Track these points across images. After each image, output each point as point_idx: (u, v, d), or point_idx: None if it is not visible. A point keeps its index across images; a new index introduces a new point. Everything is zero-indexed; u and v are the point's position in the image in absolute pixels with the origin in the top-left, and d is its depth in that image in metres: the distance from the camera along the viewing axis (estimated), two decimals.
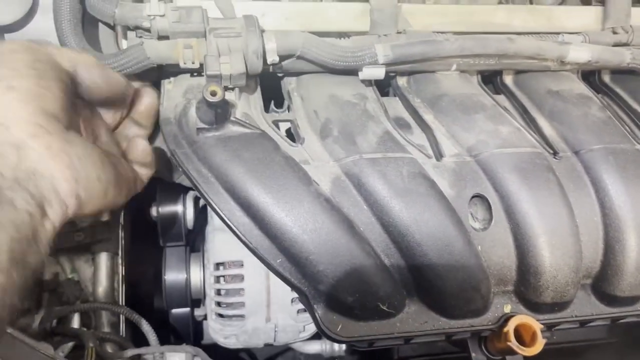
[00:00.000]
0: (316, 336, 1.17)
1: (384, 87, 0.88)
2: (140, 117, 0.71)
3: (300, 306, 1.03)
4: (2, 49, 0.53)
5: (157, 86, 0.77)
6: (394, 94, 0.86)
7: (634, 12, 0.88)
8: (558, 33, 0.86)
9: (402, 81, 0.85)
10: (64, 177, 0.51)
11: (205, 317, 1.16)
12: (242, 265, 0.99)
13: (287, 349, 1.38)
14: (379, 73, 0.75)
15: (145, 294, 1.21)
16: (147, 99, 0.71)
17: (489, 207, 0.71)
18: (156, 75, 0.75)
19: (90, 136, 0.63)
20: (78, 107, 0.64)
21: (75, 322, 0.97)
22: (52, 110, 0.52)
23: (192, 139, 0.68)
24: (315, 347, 1.21)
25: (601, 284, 0.75)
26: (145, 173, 0.69)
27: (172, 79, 0.77)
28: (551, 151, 0.76)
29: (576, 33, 0.87)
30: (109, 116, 0.69)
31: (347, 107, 0.75)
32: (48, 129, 0.51)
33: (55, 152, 0.50)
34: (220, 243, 1.00)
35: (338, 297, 0.67)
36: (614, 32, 0.87)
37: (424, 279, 0.69)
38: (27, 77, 0.51)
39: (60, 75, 0.54)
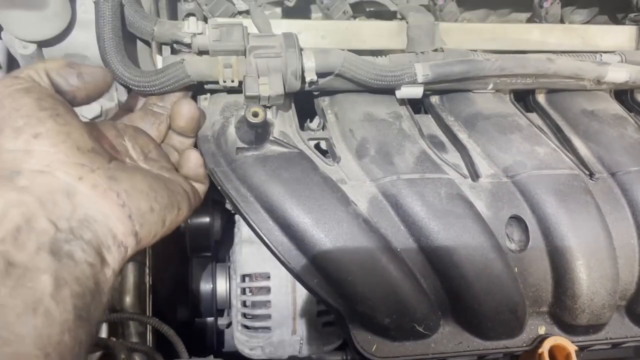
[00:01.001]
0: (337, 347, 1.17)
1: (415, 104, 0.88)
2: (183, 128, 0.69)
3: (326, 319, 1.03)
4: (2, 99, 0.49)
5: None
6: (427, 111, 0.86)
7: None
8: (593, 52, 0.86)
9: (435, 99, 0.85)
10: (117, 217, 0.50)
11: (227, 326, 1.17)
12: (269, 277, 1.00)
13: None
14: (416, 92, 0.75)
15: (168, 302, 1.22)
16: (186, 108, 0.68)
17: (525, 229, 0.71)
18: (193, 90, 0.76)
19: (140, 154, 0.63)
20: (120, 128, 0.64)
21: (104, 332, 0.98)
22: (85, 145, 0.51)
23: (230, 158, 0.69)
24: (336, 358, 1.21)
25: (636, 306, 0.74)
26: (199, 187, 0.68)
27: (208, 95, 0.77)
28: (587, 172, 0.75)
29: (611, 52, 0.86)
30: (153, 130, 0.69)
31: (383, 126, 0.75)
32: (91, 166, 0.50)
33: (102, 191, 0.49)
34: (247, 255, 1.01)
35: (375, 317, 0.67)
36: None
37: (460, 301, 0.69)
38: (45, 120, 0.49)
39: (64, 102, 0.52)
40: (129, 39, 0.79)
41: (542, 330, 0.73)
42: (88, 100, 0.57)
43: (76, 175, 0.48)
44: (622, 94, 0.92)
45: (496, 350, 0.72)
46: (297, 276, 0.67)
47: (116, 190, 0.50)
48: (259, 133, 0.67)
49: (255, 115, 0.63)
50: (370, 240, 0.66)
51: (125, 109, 0.71)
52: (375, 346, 0.70)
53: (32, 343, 0.39)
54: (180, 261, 1.14)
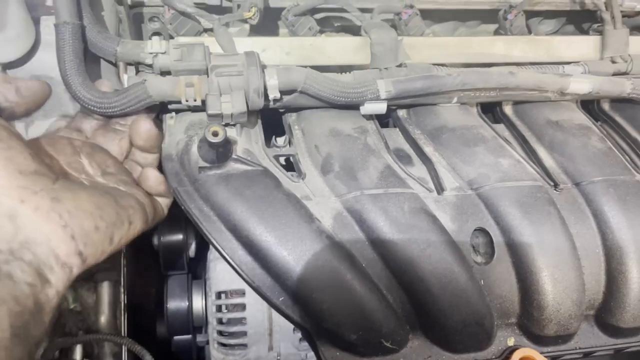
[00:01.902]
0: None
1: (383, 117, 0.88)
2: (142, 146, 0.71)
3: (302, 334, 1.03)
4: None
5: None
6: (394, 124, 0.86)
7: (632, 40, 0.89)
8: (557, 63, 0.87)
9: (402, 112, 0.85)
10: (59, 238, 0.50)
11: (207, 343, 1.16)
12: (244, 293, 0.99)
13: None
14: (380, 108, 0.75)
15: (147, 321, 1.21)
16: (142, 127, 0.69)
17: (490, 241, 0.71)
18: (158, 110, 0.76)
19: (97, 170, 0.64)
20: (77, 145, 0.65)
21: (78, 353, 0.97)
22: (27, 168, 0.51)
23: (194, 177, 0.69)
24: None
25: (604, 315, 0.75)
26: (163, 201, 0.69)
27: (173, 114, 0.77)
28: (552, 183, 0.76)
29: (575, 63, 0.87)
30: (114, 146, 0.70)
31: (348, 142, 0.76)
32: (33, 188, 0.50)
33: (45, 213, 0.50)
34: (222, 272, 1.00)
35: (341, 334, 0.67)
36: (613, 62, 0.87)
37: (426, 315, 0.68)
38: None
39: (6, 126, 0.52)
40: (94, 60, 0.79)
41: (511, 342, 0.74)
42: (27, 113, 0.58)
43: (18, 198, 0.49)
44: (588, 104, 0.93)
45: None
46: (262, 295, 0.67)
47: (58, 212, 0.51)
48: (220, 152, 0.67)
49: (215, 134, 0.63)
50: (334, 257, 0.66)
51: (74, 127, 0.71)
52: None
53: None
54: (158, 279, 1.13)
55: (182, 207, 0.68)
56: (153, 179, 0.67)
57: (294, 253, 0.65)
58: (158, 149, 0.72)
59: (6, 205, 0.48)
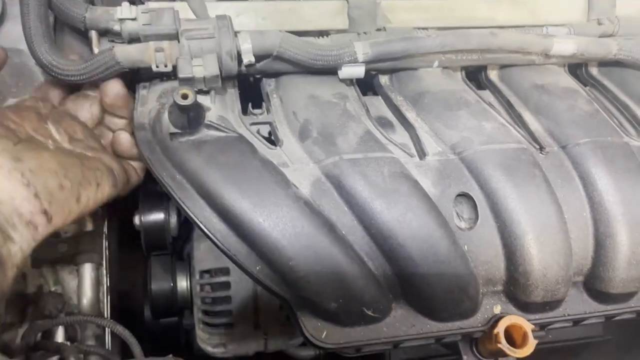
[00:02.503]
0: None
1: (366, 86, 0.86)
2: (111, 106, 0.70)
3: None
4: None
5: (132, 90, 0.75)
6: (376, 92, 0.84)
7: (619, 2, 0.87)
8: (542, 26, 0.84)
9: (384, 79, 0.83)
10: (22, 197, 0.50)
11: (193, 327, 1.14)
12: (228, 272, 0.97)
13: (281, 355, 1.36)
14: (358, 72, 0.73)
15: (135, 304, 1.19)
16: (110, 86, 0.69)
17: (474, 206, 0.69)
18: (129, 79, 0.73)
19: (64, 136, 0.63)
20: (44, 113, 0.64)
21: (60, 336, 0.95)
22: None
23: (165, 145, 0.66)
24: (310, 352, 1.19)
25: (593, 281, 0.73)
26: (138, 166, 0.70)
27: (146, 83, 0.75)
28: (537, 146, 0.74)
29: (561, 25, 0.85)
30: (85, 112, 0.70)
31: (327, 108, 0.73)
32: None
33: (6, 172, 0.49)
34: (205, 251, 0.98)
35: (321, 303, 0.65)
36: (600, 23, 0.85)
37: (409, 282, 0.66)
38: None
39: None
40: (71, 34, 0.77)
41: (497, 310, 0.72)
42: None
43: None
44: (577, 68, 0.91)
45: (450, 332, 0.70)
46: (238, 264, 0.65)
47: (20, 170, 0.50)
48: (191, 117, 0.64)
49: (185, 97, 0.61)
50: (311, 224, 0.64)
51: (40, 97, 0.69)
52: (325, 333, 0.68)
53: None
54: (142, 258, 1.11)
55: (154, 176, 0.66)
56: (124, 141, 0.67)
57: (270, 219, 0.63)
58: (128, 113, 0.71)
59: None
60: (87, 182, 0.57)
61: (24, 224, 0.50)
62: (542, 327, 0.76)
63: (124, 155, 0.68)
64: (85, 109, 0.70)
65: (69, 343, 0.91)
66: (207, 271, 0.97)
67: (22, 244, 0.50)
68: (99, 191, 0.59)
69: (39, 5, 0.67)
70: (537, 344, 0.69)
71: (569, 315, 0.74)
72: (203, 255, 0.97)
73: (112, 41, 0.73)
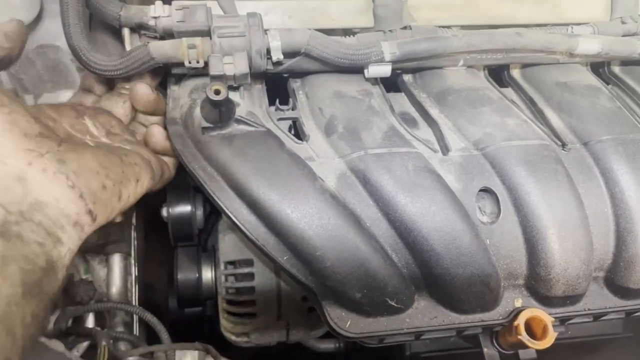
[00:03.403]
0: (330, 334, 1.17)
1: (389, 83, 0.88)
2: (143, 109, 0.73)
3: (311, 304, 1.03)
4: None
5: (163, 87, 0.78)
6: (400, 89, 0.86)
7: None
8: (566, 24, 0.85)
9: (407, 77, 0.84)
10: (69, 199, 0.51)
11: (217, 317, 1.17)
12: (252, 263, 0.99)
13: (301, 347, 1.39)
14: (385, 71, 0.75)
15: (160, 294, 1.23)
16: (139, 91, 0.71)
17: (496, 201, 0.70)
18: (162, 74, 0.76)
19: (102, 130, 0.66)
20: (79, 109, 0.66)
21: (90, 322, 0.99)
22: (32, 131, 0.52)
23: (197, 138, 0.69)
24: (330, 345, 1.21)
25: (614, 276, 0.74)
26: (170, 160, 0.71)
27: (178, 79, 0.77)
28: (559, 143, 0.75)
29: (584, 24, 0.86)
30: (119, 108, 0.73)
31: (352, 103, 0.75)
32: (39, 151, 0.51)
33: (51, 175, 0.50)
34: (230, 242, 1.01)
35: (346, 293, 0.67)
36: (623, 22, 0.86)
37: (431, 274, 0.68)
38: None
39: (6, 92, 0.54)
40: (104, 30, 0.80)
41: (518, 303, 0.73)
42: (19, 55, 0.59)
43: (25, 161, 0.49)
44: (599, 67, 0.91)
45: (472, 324, 0.72)
46: (266, 253, 0.67)
47: (65, 172, 0.51)
48: (222, 111, 0.67)
49: (217, 92, 0.63)
50: (337, 215, 0.66)
51: (84, 87, 0.72)
52: (349, 322, 0.70)
53: None
54: (169, 257, 1.14)
55: (187, 169, 0.69)
56: (157, 135, 0.69)
57: (297, 211, 0.65)
58: (161, 111, 0.73)
59: (14, 167, 0.49)
60: (127, 179, 0.59)
61: (70, 225, 0.51)
62: (562, 321, 0.77)
63: (157, 149, 0.70)
64: (119, 106, 0.72)
65: (99, 329, 0.95)
66: (232, 262, 1.00)
67: (70, 244, 0.51)
68: (138, 186, 0.61)
69: (78, 3, 0.70)
70: (556, 340, 0.70)
71: (589, 309, 0.75)
72: (228, 247, 1.00)
73: (145, 37, 0.76)
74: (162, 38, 0.73)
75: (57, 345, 0.71)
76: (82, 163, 0.54)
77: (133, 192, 0.59)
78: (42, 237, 0.48)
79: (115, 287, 1.04)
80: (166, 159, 0.71)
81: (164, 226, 1.09)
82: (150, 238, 1.19)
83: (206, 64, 0.70)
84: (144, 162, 0.63)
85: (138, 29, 0.74)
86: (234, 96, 0.73)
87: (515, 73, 0.88)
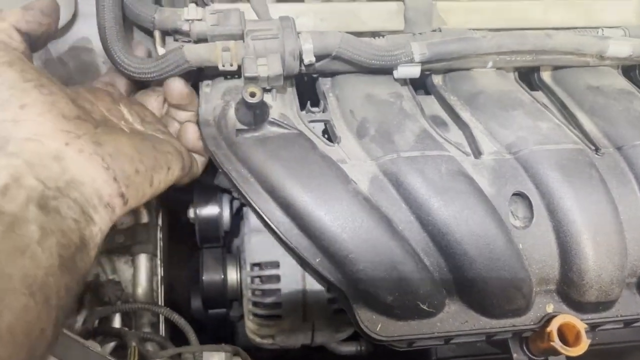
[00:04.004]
0: (352, 337, 1.17)
1: (418, 85, 0.88)
2: (177, 103, 0.73)
3: (337, 306, 1.03)
4: None
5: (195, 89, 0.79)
6: (429, 92, 0.86)
7: None
8: (597, 28, 0.84)
9: (437, 79, 0.84)
10: (103, 180, 0.52)
11: (239, 318, 1.17)
12: (278, 265, 0.99)
13: (323, 350, 1.39)
14: (414, 72, 0.75)
15: (181, 295, 1.23)
16: (173, 86, 0.71)
17: (529, 205, 0.70)
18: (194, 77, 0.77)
19: (137, 117, 0.67)
20: (116, 96, 0.68)
21: (117, 322, 0.99)
22: (70, 113, 0.53)
23: (231, 140, 0.69)
24: (351, 348, 1.21)
25: None
26: (199, 158, 0.72)
27: (209, 81, 0.78)
28: (593, 147, 0.74)
29: (615, 27, 0.85)
30: (152, 101, 0.74)
31: (384, 106, 0.75)
32: (76, 132, 0.53)
33: (87, 156, 0.52)
34: (256, 244, 1.00)
35: (377, 296, 0.67)
36: None
37: (464, 278, 0.68)
38: (30, 91, 0.52)
39: (46, 74, 0.55)
40: (130, 30, 0.80)
41: (550, 309, 0.72)
42: (56, 29, 0.61)
43: (63, 141, 0.51)
44: (630, 70, 0.91)
45: (503, 329, 0.71)
46: (299, 256, 0.67)
47: (101, 154, 0.53)
48: (257, 114, 0.67)
49: (253, 95, 0.64)
50: (370, 218, 0.66)
51: (108, 82, 0.73)
52: (379, 325, 0.69)
53: (19, 281, 0.43)
54: (194, 254, 1.15)
55: (220, 170, 0.69)
56: (191, 132, 0.70)
57: (331, 214, 0.65)
58: (193, 107, 0.74)
59: (52, 147, 0.50)
60: (159, 166, 0.60)
61: (103, 205, 0.52)
62: (592, 327, 0.76)
63: (188, 147, 0.71)
64: (153, 100, 0.74)
65: (127, 329, 0.96)
66: (258, 264, 1.00)
67: (101, 225, 0.52)
68: (169, 174, 0.62)
69: (114, 5, 0.70)
70: None
71: (621, 316, 0.74)
72: (254, 248, 1.00)
73: (177, 40, 0.77)
74: (195, 41, 0.73)
75: (94, 346, 0.72)
76: (117, 146, 0.56)
77: (164, 179, 0.61)
78: (77, 214, 0.50)
79: (142, 288, 1.04)
80: (195, 156, 0.72)
81: (183, 228, 1.10)
82: (173, 237, 1.20)
83: (239, 67, 0.71)
84: (175, 151, 0.64)
85: (172, 32, 0.75)
86: (266, 98, 0.73)
87: (546, 76, 0.87)
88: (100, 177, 0.52)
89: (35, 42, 0.59)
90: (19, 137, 0.50)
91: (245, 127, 0.69)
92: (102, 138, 0.55)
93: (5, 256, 0.43)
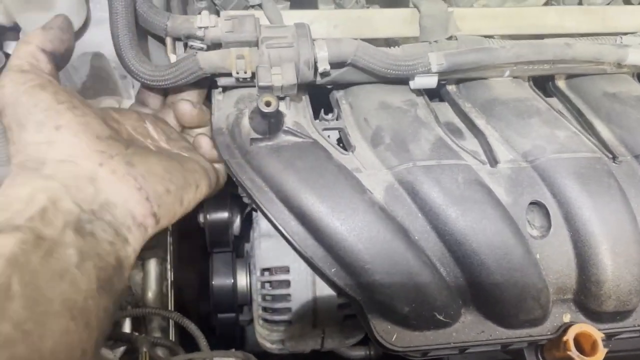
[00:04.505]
0: (361, 342, 1.17)
1: (431, 93, 0.87)
2: (189, 124, 0.74)
3: (347, 312, 1.03)
4: (18, 97, 0.52)
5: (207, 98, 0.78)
6: (443, 99, 0.85)
7: None
8: (613, 34, 0.84)
9: (452, 87, 0.84)
10: (136, 200, 0.53)
11: (249, 323, 1.17)
12: (288, 270, 0.99)
13: (332, 354, 1.38)
14: (431, 82, 0.74)
15: (190, 300, 1.23)
16: (183, 112, 0.73)
17: (547, 214, 0.69)
18: (207, 85, 0.76)
19: (162, 135, 0.68)
20: (141, 114, 0.69)
21: (127, 327, 0.99)
22: (103, 133, 0.54)
23: (245, 149, 0.69)
24: (360, 352, 1.20)
25: None
26: (220, 167, 0.72)
27: (221, 89, 0.77)
28: (610, 156, 0.74)
29: (632, 33, 0.84)
30: (170, 119, 0.74)
31: (398, 114, 0.75)
32: (110, 152, 0.53)
33: (120, 176, 0.53)
34: (266, 249, 1.00)
35: (394, 306, 0.66)
36: None
37: (481, 288, 0.67)
38: (64, 112, 0.53)
39: (77, 95, 0.56)
40: (143, 39, 0.80)
41: (567, 318, 0.72)
42: (73, 45, 0.63)
43: (97, 161, 0.52)
44: None
45: (520, 339, 0.71)
46: (314, 266, 0.67)
47: (134, 175, 0.54)
48: (272, 123, 0.67)
49: (268, 104, 0.63)
50: (386, 228, 0.65)
51: (139, 101, 0.74)
52: (395, 336, 0.69)
53: (60, 305, 0.44)
54: (202, 258, 1.15)
55: (234, 179, 0.69)
56: (205, 145, 0.70)
57: (347, 224, 0.65)
58: (205, 123, 0.74)
59: (87, 168, 0.51)
60: (188, 185, 0.61)
61: (136, 225, 0.53)
62: (609, 336, 0.76)
63: (205, 157, 0.71)
64: (171, 117, 0.74)
65: (137, 334, 0.95)
66: (268, 269, 1.00)
67: (135, 245, 0.53)
68: (197, 192, 0.63)
69: (127, 13, 0.70)
70: None
71: (638, 325, 0.73)
72: (264, 254, 0.99)
73: (192, 48, 0.76)
74: (208, 48, 0.73)
75: (108, 354, 0.71)
76: (148, 166, 0.56)
77: (193, 197, 0.62)
78: (112, 236, 0.50)
79: (152, 292, 1.04)
80: (217, 166, 0.72)
81: (196, 231, 1.09)
82: (182, 242, 1.20)
83: (253, 74, 0.70)
84: (202, 169, 0.65)
85: (185, 39, 0.74)
86: (280, 106, 0.72)
87: (561, 83, 0.86)
88: (132, 198, 0.53)
89: (59, 61, 0.60)
90: (55, 158, 0.51)
91: (260, 136, 0.68)
92: (134, 158, 0.55)
93: (45, 281, 0.44)
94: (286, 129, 0.70)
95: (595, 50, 0.75)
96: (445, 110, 0.82)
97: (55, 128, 0.51)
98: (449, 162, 0.69)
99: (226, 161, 0.69)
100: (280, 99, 0.73)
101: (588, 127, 0.79)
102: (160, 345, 0.94)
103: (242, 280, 1.07)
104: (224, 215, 1.03)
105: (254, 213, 1.07)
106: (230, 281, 1.07)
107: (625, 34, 0.84)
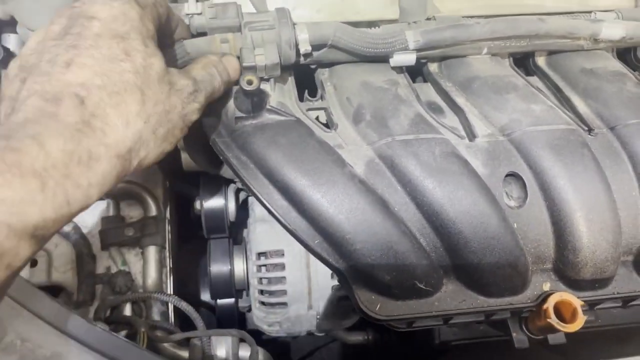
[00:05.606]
0: (359, 326, 1.19)
1: (415, 74, 0.89)
2: (235, 78, 0.74)
3: (341, 293, 1.05)
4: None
5: None
6: (426, 80, 0.87)
7: None
8: (591, 12, 0.86)
9: (433, 67, 0.86)
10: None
11: (248, 309, 1.20)
12: (283, 254, 1.02)
13: (332, 341, 1.41)
14: (409, 59, 0.76)
15: (191, 286, 1.26)
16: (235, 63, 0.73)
17: (523, 185, 0.71)
18: None
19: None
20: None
21: (127, 312, 1.02)
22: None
23: (231, 128, 0.72)
24: (358, 337, 1.23)
25: None
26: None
27: None
28: (586, 128, 0.76)
29: (609, 11, 0.86)
30: None
31: (379, 93, 0.77)
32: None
33: None
34: (262, 233, 1.03)
35: (375, 275, 0.69)
36: None
37: (459, 257, 0.70)
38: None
39: None
40: None
41: (546, 287, 0.74)
42: None
43: None
44: (625, 53, 0.91)
45: (500, 307, 0.73)
46: (298, 238, 0.69)
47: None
48: (255, 101, 0.70)
49: (250, 83, 0.66)
50: (366, 200, 0.68)
51: None
52: (379, 305, 0.71)
53: None
54: (200, 244, 1.18)
55: (221, 157, 0.72)
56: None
57: (328, 196, 0.67)
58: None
59: None
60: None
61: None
62: (591, 305, 0.78)
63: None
64: None
65: (137, 317, 0.98)
66: (264, 253, 1.03)
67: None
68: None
69: None
70: (586, 328, 0.70)
71: (618, 293, 0.75)
72: (259, 238, 1.03)
73: None
74: (194, 36, 0.76)
75: (104, 327, 0.74)
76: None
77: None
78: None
79: (151, 279, 1.07)
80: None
81: (195, 219, 1.13)
82: (182, 229, 1.23)
83: (238, 57, 0.73)
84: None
85: None
86: (264, 87, 0.75)
87: (541, 61, 0.88)
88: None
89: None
90: None
91: (244, 115, 0.71)
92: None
93: None
94: (270, 107, 0.72)
95: (569, 25, 0.78)
96: (427, 90, 0.85)
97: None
98: (426, 136, 0.71)
99: (212, 140, 0.72)
100: (265, 80, 0.76)
101: (566, 102, 0.81)
102: (159, 328, 0.97)
103: (239, 266, 1.11)
104: (219, 202, 1.06)
105: (249, 199, 1.11)
106: (227, 267, 1.10)
107: (603, 11, 0.86)
